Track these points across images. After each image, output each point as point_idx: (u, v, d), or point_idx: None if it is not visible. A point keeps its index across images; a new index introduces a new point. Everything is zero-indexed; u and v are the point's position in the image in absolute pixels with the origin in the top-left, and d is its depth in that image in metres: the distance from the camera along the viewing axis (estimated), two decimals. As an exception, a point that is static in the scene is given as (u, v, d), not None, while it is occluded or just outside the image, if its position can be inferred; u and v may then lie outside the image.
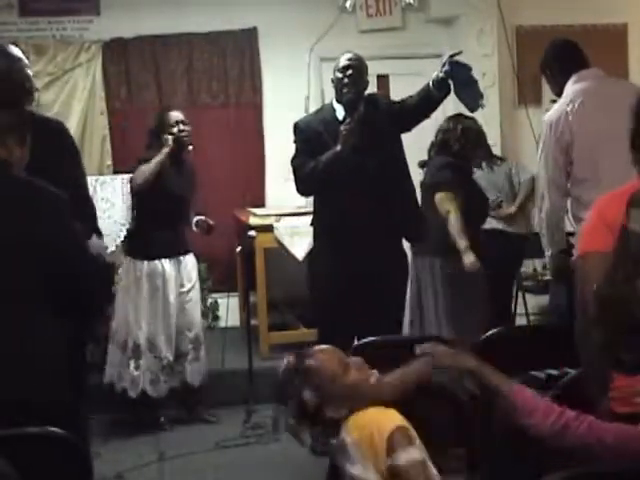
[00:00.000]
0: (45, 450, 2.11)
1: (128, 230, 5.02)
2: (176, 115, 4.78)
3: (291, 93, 6.34)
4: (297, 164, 4.20)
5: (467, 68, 3.89)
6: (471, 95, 3.93)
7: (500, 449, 2.37)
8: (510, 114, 6.50)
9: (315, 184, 4.19)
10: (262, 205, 6.35)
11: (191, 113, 5.26)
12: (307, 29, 6.36)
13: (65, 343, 2.45)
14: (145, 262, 4.72)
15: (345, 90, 4.12)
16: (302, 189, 4.29)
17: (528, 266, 6.29)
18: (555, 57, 3.95)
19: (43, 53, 6.26)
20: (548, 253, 4.00)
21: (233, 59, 6.51)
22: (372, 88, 6.35)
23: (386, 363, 2.78)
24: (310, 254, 4.45)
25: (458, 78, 3.86)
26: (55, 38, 6.32)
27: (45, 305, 2.39)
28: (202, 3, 6.34)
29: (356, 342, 4.11)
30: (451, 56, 3.89)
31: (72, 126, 6.12)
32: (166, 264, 4.73)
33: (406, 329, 4.56)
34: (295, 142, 4.27)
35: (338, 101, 4.19)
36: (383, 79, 6.58)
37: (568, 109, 3.73)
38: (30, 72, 3.10)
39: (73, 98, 6.31)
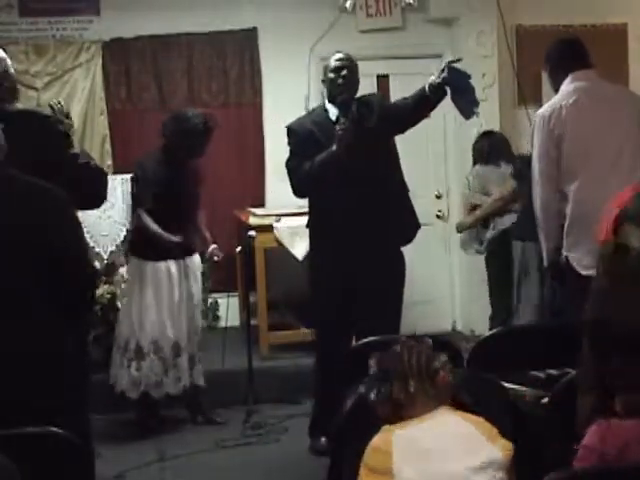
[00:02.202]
0: (47, 450, 2.11)
1: (133, 230, 4.95)
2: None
3: (291, 93, 6.33)
4: (292, 166, 4.20)
5: (465, 75, 3.86)
6: (467, 103, 3.90)
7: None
8: (510, 114, 6.50)
9: (311, 185, 4.19)
10: (262, 205, 6.35)
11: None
12: (307, 29, 6.36)
13: (64, 342, 2.45)
14: (150, 263, 4.68)
15: (339, 91, 4.13)
16: (298, 191, 4.29)
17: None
18: (556, 53, 3.96)
19: (43, 53, 6.26)
20: (544, 247, 4.01)
21: (233, 59, 6.51)
22: (372, 88, 6.40)
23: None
24: (309, 255, 4.45)
25: (455, 85, 3.84)
26: (55, 38, 6.31)
27: (42, 304, 2.38)
28: (202, 3, 6.34)
29: (355, 342, 4.16)
30: (450, 62, 3.87)
31: (72, 126, 6.11)
32: (172, 265, 4.71)
33: None
34: (289, 144, 4.27)
35: (331, 102, 4.19)
36: (383, 79, 6.58)
37: (562, 103, 3.77)
38: (11, 71, 3.10)
39: (73, 98, 6.30)
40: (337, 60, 4.17)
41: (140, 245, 4.76)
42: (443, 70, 3.85)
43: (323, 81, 4.26)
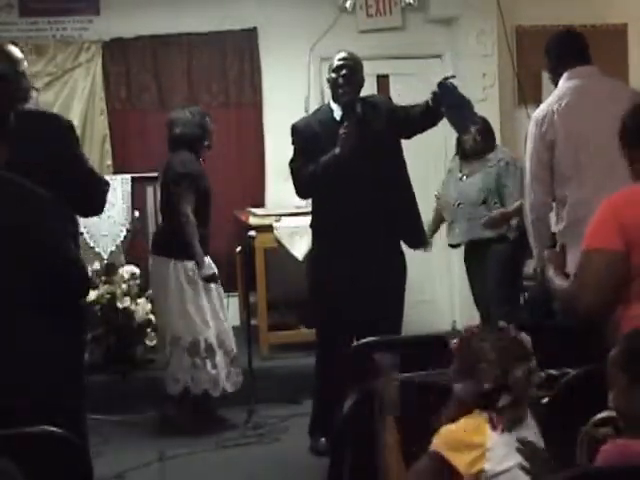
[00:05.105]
0: (45, 450, 2.11)
1: (164, 232, 4.85)
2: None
3: (291, 93, 6.34)
4: (296, 167, 4.20)
5: (456, 91, 3.89)
6: (461, 118, 3.95)
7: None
8: (510, 114, 6.50)
9: (314, 187, 4.20)
10: (262, 205, 6.35)
11: (191, 113, 5.27)
12: (307, 29, 6.36)
13: (53, 342, 2.44)
14: (188, 262, 4.63)
15: (341, 90, 4.14)
16: (301, 192, 4.30)
17: (529, 265, 6.27)
18: (555, 48, 3.95)
19: (43, 53, 6.26)
20: (535, 251, 4.01)
21: (233, 59, 6.51)
22: (372, 88, 6.40)
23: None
24: (309, 255, 4.45)
25: (445, 101, 3.88)
26: (55, 38, 6.32)
27: (30, 305, 2.37)
28: (202, 3, 6.34)
29: (356, 342, 4.16)
30: (445, 78, 3.91)
31: (72, 126, 6.12)
32: (208, 261, 4.71)
33: None
34: (293, 144, 4.27)
35: (335, 101, 4.20)
36: (383, 79, 6.58)
37: (554, 107, 3.76)
38: (25, 69, 3.09)
39: (73, 98, 6.31)
40: (339, 60, 4.18)
41: (179, 246, 4.62)
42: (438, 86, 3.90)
43: (328, 80, 4.27)
